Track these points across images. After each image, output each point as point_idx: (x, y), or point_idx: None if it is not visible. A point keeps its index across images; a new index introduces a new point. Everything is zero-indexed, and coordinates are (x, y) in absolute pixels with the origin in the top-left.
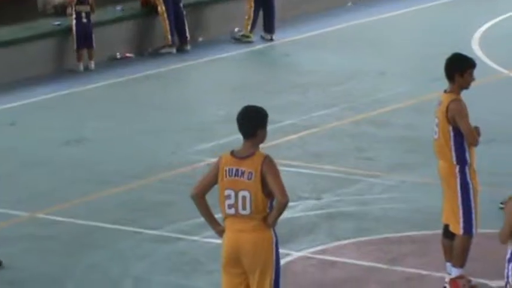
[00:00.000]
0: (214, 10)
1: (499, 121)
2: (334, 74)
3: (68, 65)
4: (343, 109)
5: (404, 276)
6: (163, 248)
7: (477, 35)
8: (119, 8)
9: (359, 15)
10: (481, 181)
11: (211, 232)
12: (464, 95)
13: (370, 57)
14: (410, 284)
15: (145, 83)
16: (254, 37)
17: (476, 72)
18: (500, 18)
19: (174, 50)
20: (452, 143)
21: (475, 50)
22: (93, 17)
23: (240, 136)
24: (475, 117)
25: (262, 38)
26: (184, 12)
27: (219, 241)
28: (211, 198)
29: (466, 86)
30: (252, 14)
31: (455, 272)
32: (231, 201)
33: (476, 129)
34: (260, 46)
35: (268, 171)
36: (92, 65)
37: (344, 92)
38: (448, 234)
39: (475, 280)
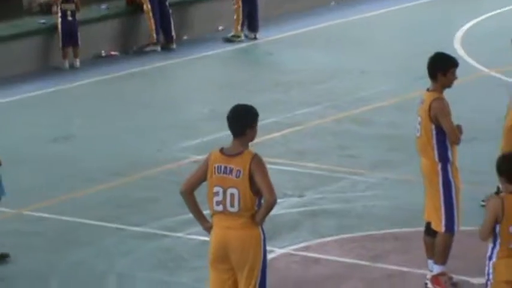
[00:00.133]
0: (199, 9)
1: (480, 119)
2: (317, 73)
3: (53, 62)
4: (326, 107)
5: (386, 273)
6: (148, 245)
7: (459, 34)
8: (104, 6)
9: (342, 14)
10: (463, 179)
11: (196, 229)
12: (447, 93)
13: (353, 56)
14: (392, 281)
15: (130, 81)
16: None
17: (458, 71)
18: (482, 17)
19: (158, 48)
20: (434, 141)
21: (457, 49)
22: (79, 15)
23: (224, 133)
24: (457, 116)
25: (246, 36)
26: (170, 11)
27: (203, 238)
28: (199, 195)
29: (448, 84)
30: (240, 15)
31: (436, 269)
32: (219, 198)
33: (459, 127)
34: (244, 44)
35: (257, 169)
36: (77, 62)
37: (327, 90)
38: (430, 231)
39: (456, 277)
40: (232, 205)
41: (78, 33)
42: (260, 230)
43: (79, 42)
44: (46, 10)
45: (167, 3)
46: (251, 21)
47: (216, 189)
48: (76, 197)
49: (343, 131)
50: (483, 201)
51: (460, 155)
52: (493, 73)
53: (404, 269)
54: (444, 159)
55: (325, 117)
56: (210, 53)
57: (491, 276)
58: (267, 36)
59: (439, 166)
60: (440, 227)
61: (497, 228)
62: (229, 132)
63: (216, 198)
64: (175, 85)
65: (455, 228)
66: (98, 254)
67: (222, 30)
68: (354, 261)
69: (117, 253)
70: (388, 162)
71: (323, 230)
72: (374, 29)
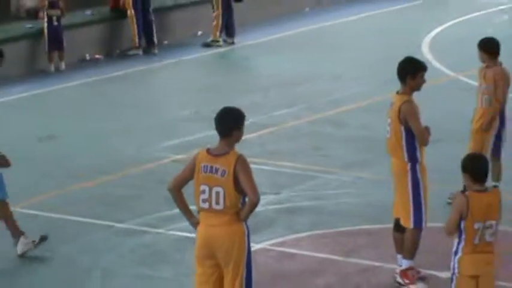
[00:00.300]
0: (179, 15)
1: (446, 121)
2: (292, 76)
3: (40, 65)
4: (301, 109)
5: (358, 267)
6: (130, 241)
7: (427, 39)
8: (88, 12)
9: (316, 21)
10: (431, 178)
11: (176, 225)
12: (416, 96)
13: (326, 60)
14: (365, 275)
15: (114, 83)
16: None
17: (426, 75)
18: (448, 24)
19: (140, 52)
20: (404, 142)
21: (425, 53)
22: (64, 21)
23: (203, 134)
24: (425, 118)
25: (225, 41)
26: (153, 18)
27: (182, 233)
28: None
29: (417, 88)
30: (220, 21)
31: (405, 263)
32: (206, 196)
33: (427, 129)
34: (222, 49)
35: (241, 170)
36: (63, 66)
37: (302, 93)
38: (399, 227)
39: (424, 271)
40: (217, 203)
41: (64, 38)
42: (244, 226)
43: (64, 46)
44: (33, 16)
45: (151, 10)
46: (229, 27)
47: (202, 187)
48: (61, 195)
49: (317, 132)
50: (449, 198)
51: (428, 155)
52: (459, 77)
53: (376, 263)
54: (413, 159)
55: (300, 118)
56: (189, 57)
57: (456, 271)
58: (244, 41)
59: (408, 166)
60: (409, 223)
61: (463, 224)
62: (208, 133)
63: (202, 196)
64: (156, 88)
65: (423, 224)
66: (82, 250)
67: (201, 35)
68: (327, 256)
69: (101, 249)
70: (360, 162)
71: (298, 226)
72: (347, 35)
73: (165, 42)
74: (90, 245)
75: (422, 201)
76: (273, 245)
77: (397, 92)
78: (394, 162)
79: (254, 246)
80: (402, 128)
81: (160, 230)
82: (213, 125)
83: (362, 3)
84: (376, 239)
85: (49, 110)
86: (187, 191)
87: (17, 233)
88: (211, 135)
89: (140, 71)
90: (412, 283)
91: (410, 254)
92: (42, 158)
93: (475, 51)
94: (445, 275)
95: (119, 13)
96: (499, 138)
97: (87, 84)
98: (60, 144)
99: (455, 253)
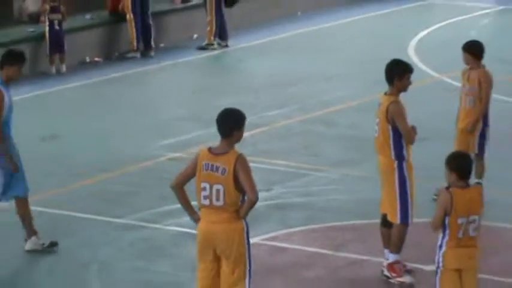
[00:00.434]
0: (174, 19)
1: (432, 121)
2: (284, 78)
3: (41, 68)
4: (292, 109)
5: (347, 261)
6: (128, 235)
7: (413, 42)
8: (88, 16)
9: (307, 24)
10: (417, 175)
11: (173, 220)
12: (403, 96)
13: (317, 62)
14: (353, 268)
15: (113, 85)
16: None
17: (412, 77)
18: (434, 27)
19: (138, 55)
20: (391, 140)
21: (411, 55)
22: (65, 25)
23: (198, 133)
24: (412, 117)
25: (219, 44)
26: (151, 23)
27: (179, 228)
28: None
29: (404, 89)
30: (213, 26)
31: (392, 257)
32: (206, 193)
33: (413, 128)
34: (216, 52)
35: (241, 169)
36: (64, 68)
37: (293, 94)
38: (386, 223)
39: (410, 265)
40: (218, 199)
41: (65, 41)
42: (244, 223)
43: (65, 49)
44: (35, 20)
45: (149, 14)
46: (222, 31)
47: (203, 184)
48: (63, 191)
49: (308, 131)
50: (435, 195)
51: (414, 153)
52: (444, 78)
53: (364, 257)
54: (400, 157)
55: (291, 118)
56: (185, 59)
57: (441, 264)
58: (237, 44)
59: (395, 164)
60: (395, 218)
61: (447, 220)
62: (202, 132)
63: (203, 193)
64: (153, 89)
65: (410, 220)
66: (81, 244)
67: (196, 38)
68: (317, 250)
69: (100, 243)
70: (349, 160)
71: (289, 221)
72: (337, 37)
73: (162, 45)
74: (90, 239)
75: (409, 198)
76: (265, 239)
77: (385, 93)
78: (381, 160)
79: None
80: (390, 127)
81: (157, 225)
82: (208, 125)
83: (351, 7)
84: (364, 234)
85: (51, 111)
86: (189, 188)
87: (31, 232)
88: (206, 134)
89: (138, 73)
90: (399, 276)
91: (396, 248)
92: (44, 156)
93: (458, 53)
94: (430, 268)
95: (118, 17)
96: (483, 137)
97: (87, 86)
98: (62, 143)
99: (440, 247)
